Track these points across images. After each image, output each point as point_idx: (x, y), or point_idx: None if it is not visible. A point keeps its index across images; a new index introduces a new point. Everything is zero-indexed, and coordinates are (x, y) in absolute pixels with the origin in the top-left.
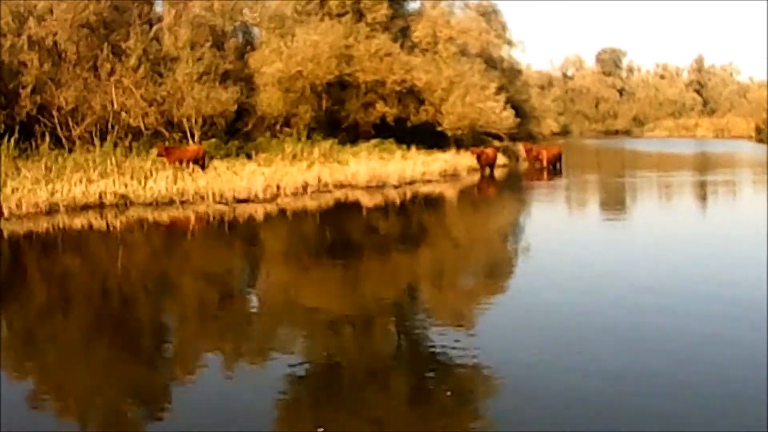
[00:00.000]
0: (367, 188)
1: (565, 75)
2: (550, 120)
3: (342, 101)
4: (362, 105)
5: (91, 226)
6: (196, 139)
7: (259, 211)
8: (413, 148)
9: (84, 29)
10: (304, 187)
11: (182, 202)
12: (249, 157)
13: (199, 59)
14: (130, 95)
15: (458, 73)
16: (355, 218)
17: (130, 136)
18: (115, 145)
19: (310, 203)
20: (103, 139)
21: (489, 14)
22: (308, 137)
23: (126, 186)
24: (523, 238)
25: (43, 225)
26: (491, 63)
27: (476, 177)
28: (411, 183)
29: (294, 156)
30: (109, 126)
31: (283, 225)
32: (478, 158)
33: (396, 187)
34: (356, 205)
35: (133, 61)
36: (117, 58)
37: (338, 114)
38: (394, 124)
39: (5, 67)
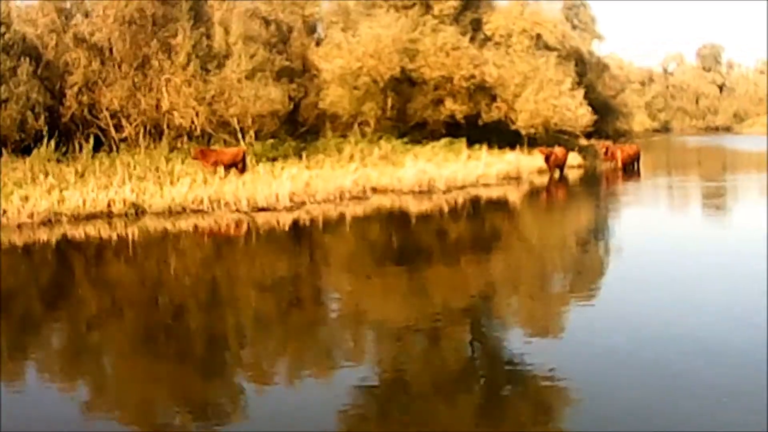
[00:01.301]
0: (414, 193)
1: (665, 71)
2: (643, 116)
3: (409, 99)
4: (430, 102)
5: (68, 240)
6: (247, 139)
7: (269, 222)
8: (484, 149)
9: (130, 26)
10: (341, 193)
11: (196, 211)
12: (307, 159)
13: (252, 56)
14: (180, 94)
15: (532, 67)
16: (376, 234)
17: (182, 138)
18: (169, 148)
19: (336, 212)
20: (154, 141)
21: (577, 7)
22: (372, 137)
23: (141, 193)
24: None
25: (33, 236)
26: (570, 56)
27: (544, 179)
28: (463, 187)
29: (351, 157)
30: (157, 127)
31: (269, 247)
32: (546, 159)
33: (445, 192)
34: (390, 216)
35: (182, 58)
36: (166, 56)
37: (405, 112)
38: (466, 123)
39: (52, 66)
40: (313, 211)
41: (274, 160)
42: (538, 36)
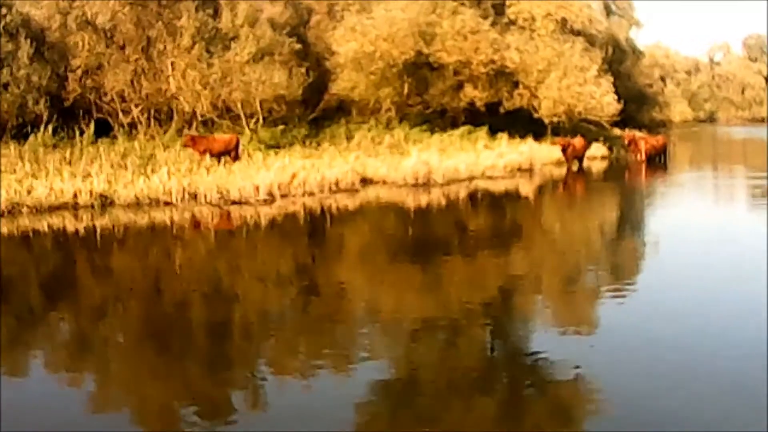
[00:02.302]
0: (410, 186)
1: (711, 61)
2: (683, 106)
3: (428, 85)
4: (449, 89)
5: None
6: (252, 126)
7: (230, 217)
8: (504, 138)
9: (134, 6)
10: (330, 185)
11: (167, 204)
12: (316, 146)
13: (260, 39)
14: (184, 78)
15: (557, 53)
16: (331, 239)
17: (187, 124)
18: (174, 134)
19: (313, 207)
20: (161, 126)
21: None
22: (388, 124)
23: (115, 183)
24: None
25: None
26: (602, 42)
27: (561, 171)
28: (468, 180)
29: (359, 145)
30: (161, 113)
31: (198, 250)
32: (564, 150)
33: (444, 185)
34: (368, 213)
35: (186, 40)
36: (171, 38)
37: (424, 99)
38: (487, 111)
39: (55, 49)
40: (289, 205)
41: (278, 147)
42: (564, 20)
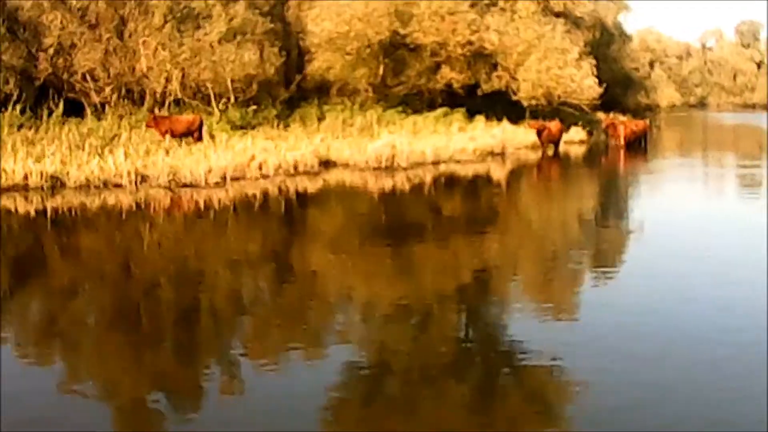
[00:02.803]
0: (374, 170)
1: (703, 46)
2: (671, 91)
3: (404, 66)
4: (426, 70)
5: None
6: (221, 106)
7: (175, 201)
8: (481, 121)
9: None
10: (289, 168)
11: (117, 186)
12: (284, 127)
13: (232, 18)
14: (155, 57)
15: (538, 34)
16: (273, 227)
17: (162, 103)
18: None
19: (267, 190)
20: (134, 106)
21: None
22: (362, 106)
23: (69, 165)
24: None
25: None
26: (587, 25)
27: (535, 156)
28: (434, 163)
29: (330, 127)
30: (132, 93)
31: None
32: (538, 134)
33: (408, 168)
34: (322, 198)
35: (157, 19)
36: (143, 17)
37: (400, 80)
38: (466, 93)
39: (29, 28)
40: (242, 188)
41: (248, 128)
42: (546, 2)
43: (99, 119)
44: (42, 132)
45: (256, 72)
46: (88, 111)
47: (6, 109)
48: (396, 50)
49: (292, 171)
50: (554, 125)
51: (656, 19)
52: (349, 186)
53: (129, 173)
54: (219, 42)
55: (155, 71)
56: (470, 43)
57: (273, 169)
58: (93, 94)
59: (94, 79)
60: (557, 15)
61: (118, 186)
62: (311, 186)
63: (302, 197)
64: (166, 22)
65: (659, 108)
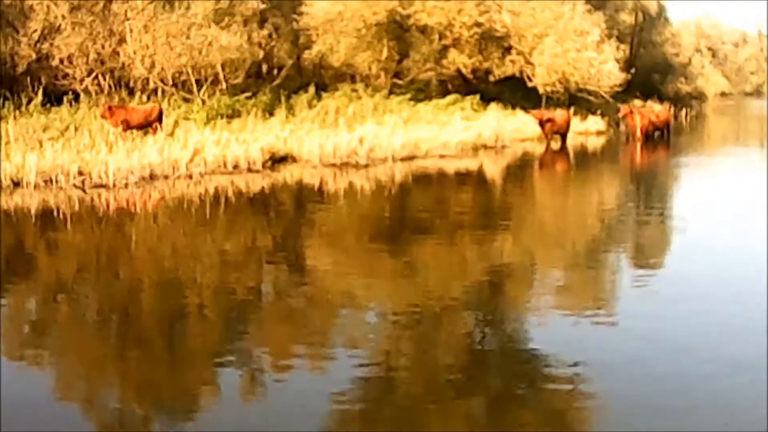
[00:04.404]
0: (334, 166)
1: (760, 33)
2: (717, 78)
3: (410, 49)
4: (433, 54)
5: None
6: (201, 95)
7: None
8: (494, 109)
9: None
10: (237, 164)
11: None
12: (265, 116)
13: None
14: (137, 42)
15: (556, 14)
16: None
17: (142, 91)
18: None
19: (189, 191)
20: (112, 92)
21: None
22: (372, 91)
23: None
24: None
25: None
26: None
27: (540, 149)
28: (409, 158)
29: (319, 115)
30: (112, 78)
31: None
32: (541, 124)
33: (369, 166)
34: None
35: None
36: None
37: (404, 65)
38: (475, 79)
39: (10, 12)
40: (153, 189)
41: (234, 116)
42: None
43: (72, 110)
44: (10, 122)
45: (242, 56)
46: (69, 100)
47: None
48: (405, 32)
49: (231, 168)
50: (560, 115)
51: (714, 6)
52: (269, 191)
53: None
54: (194, 24)
55: (138, 56)
56: (478, 24)
57: (216, 164)
58: (74, 81)
59: (74, 66)
60: None
61: (16, 185)
62: (246, 185)
63: (214, 202)
64: (152, 1)
65: (705, 96)
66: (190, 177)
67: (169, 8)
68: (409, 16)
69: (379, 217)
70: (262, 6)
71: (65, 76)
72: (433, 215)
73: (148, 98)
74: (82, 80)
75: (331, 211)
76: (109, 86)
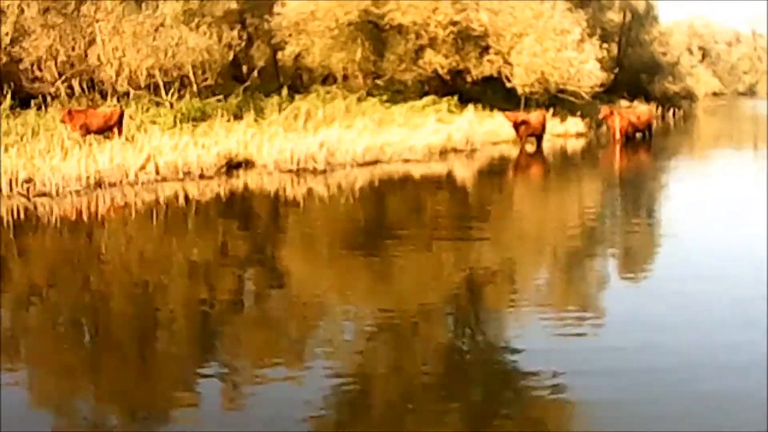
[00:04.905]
0: (288, 172)
1: (754, 33)
2: (708, 78)
3: (385, 49)
4: (408, 54)
5: None
6: (170, 97)
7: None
8: (470, 111)
9: None
10: (189, 171)
11: None
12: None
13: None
14: (106, 44)
15: (536, 13)
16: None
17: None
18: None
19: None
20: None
21: None
22: (337, 93)
23: None
24: None
25: None
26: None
27: (514, 152)
28: (373, 163)
29: (288, 119)
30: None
31: None
32: (516, 127)
33: (326, 171)
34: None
35: (107, 0)
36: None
37: (379, 66)
38: (453, 80)
39: None
40: (112, 196)
41: (205, 119)
42: None
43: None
44: None
45: (212, 57)
46: (40, 103)
47: None
48: (381, 32)
49: (182, 175)
50: (535, 116)
51: (707, 6)
52: (212, 201)
53: None
54: (162, 25)
55: (106, 59)
56: (454, 23)
57: (168, 171)
58: (45, 84)
59: (41, 69)
60: None
61: None
62: (197, 192)
63: (126, 218)
64: (122, 2)
65: (695, 96)
66: (141, 184)
67: (138, 9)
68: (383, 16)
69: (318, 231)
70: (234, 6)
71: (35, 79)
72: (378, 228)
73: (119, 101)
74: (53, 83)
75: (264, 226)
76: (82, 89)
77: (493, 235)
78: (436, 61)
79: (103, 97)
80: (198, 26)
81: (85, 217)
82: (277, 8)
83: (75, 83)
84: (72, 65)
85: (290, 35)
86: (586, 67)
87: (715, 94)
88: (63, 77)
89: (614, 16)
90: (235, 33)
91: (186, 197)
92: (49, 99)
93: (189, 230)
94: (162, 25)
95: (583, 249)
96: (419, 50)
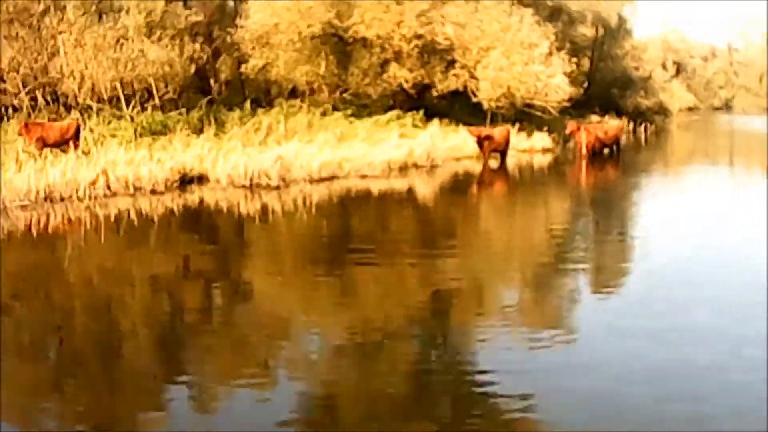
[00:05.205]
0: (244, 187)
1: (729, 47)
2: (682, 93)
3: (350, 63)
4: (372, 67)
5: None
6: (131, 110)
7: None
8: (434, 125)
9: None
10: (135, 186)
11: None
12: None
13: (150, 11)
14: (68, 56)
15: (503, 26)
16: None
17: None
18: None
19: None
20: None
21: None
22: (300, 107)
23: None
24: None
25: None
26: (573, 18)
27: (478, 168)
28: (330, 179)
29: (251, 133)
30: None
31: None
32: (479, 142)
33: (278, 188)
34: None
35: (70, 12)
36: (58, 12)
37: (343, 80)
38: (419, 94)
39: None
40: (60, 211)
41: (165, 133)
42: None
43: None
44: None
45: (173, 71)
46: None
47: None
48: (346, 46)
49: (132, 190)
50: (498, 132)
51: (683, 20)
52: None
53: None
54: (123, 37)
55: (68, 71)
56: (419, 36)
57: (119, 185)
58: (7, 97)
59: (3, 81)
60: (526, 6)
61: None
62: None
63: (69, 233)
64: (84, 14)
65: (668, 111)
66: (91, 198)
67: (100, 21)
68: (347, 29)
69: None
70: (200, 19)
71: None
72: (319, 247)
73: (82, 114)
74: (16, 95)
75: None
76: (45, 102)
77: (443, 254)
78: (401, 75)
79: (67, 109)
80: (160, 39)
81: (32, 232)
82: (240, 21)
83: (39, 95)
84: (35, 77)
85: (254, 48)
86: (553, 81)
87: (690, 109)
88: (27, 89)
89: (586, 30)
90: (197, 46)
91: (138, 212)
92: (11, 111)
93: (132, 246)
94: (124, 37)
95: (550, 266)
96: (384, 64)
